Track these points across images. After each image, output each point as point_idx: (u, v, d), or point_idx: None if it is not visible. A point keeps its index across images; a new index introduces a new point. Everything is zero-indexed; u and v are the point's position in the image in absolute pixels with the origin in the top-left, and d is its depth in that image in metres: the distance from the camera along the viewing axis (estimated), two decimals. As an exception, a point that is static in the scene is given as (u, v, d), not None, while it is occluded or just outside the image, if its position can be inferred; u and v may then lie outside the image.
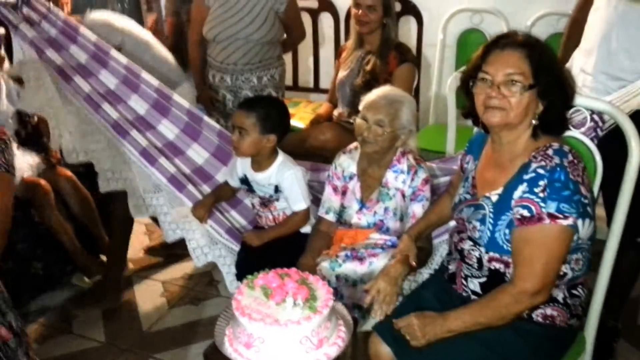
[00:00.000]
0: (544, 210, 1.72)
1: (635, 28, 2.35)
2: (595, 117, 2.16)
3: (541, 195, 1.73)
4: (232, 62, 3.56)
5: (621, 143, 2.03)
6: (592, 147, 2.10)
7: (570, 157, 1.77)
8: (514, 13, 4.17)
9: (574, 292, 1.91)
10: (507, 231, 1.82)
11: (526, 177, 1.77)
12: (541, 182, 1.73)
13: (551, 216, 1.71)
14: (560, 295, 1.88)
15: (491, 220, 1.86)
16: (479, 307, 1.83)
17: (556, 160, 1.75)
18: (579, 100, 2.21)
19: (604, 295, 2.13)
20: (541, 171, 1.75)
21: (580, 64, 2.55)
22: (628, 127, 2.02)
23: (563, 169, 1.73)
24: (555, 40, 3.34)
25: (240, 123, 2.54)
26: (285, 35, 3.73)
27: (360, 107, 2.48)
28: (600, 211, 2.45)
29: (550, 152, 1.78)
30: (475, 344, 1.82)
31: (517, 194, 1.78)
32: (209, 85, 3.69)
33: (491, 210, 1.87)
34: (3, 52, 3.46)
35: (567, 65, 2.66)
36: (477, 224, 1.90)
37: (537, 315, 1.86)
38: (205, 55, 3.67)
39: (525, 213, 1.74)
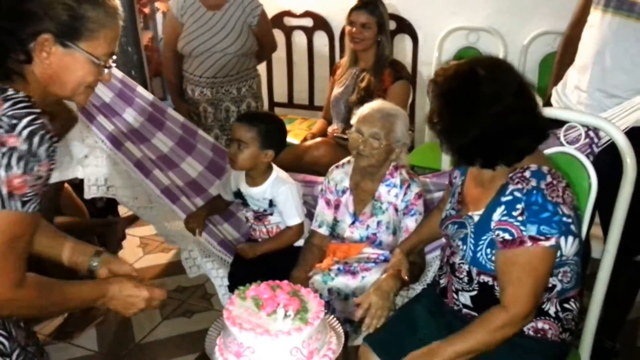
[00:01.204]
0: (524, 233, 1.71)
1: (629, 44, 2.36)
2: (591, 133, 2.16)
3: (520, 218, 1.72)
4: (211, 76, 3.63)
5: (617, 160, 2.03)
6: (587, 163, 2.10)
7: (548, 179, 1.75)
8: (510, 32, 4.19)
9: (566, 305, 1.89)
10: (488, 251, 1.82)
11: (504, 199, 1.76)
12: (518, 206, 1.72)
13: (532, 239, 1.71)
14: (552, 309, 1.87)
15: (472, 240, 1.86)
16: (471, 334, 1.80)
17: (533, 183, 1.73)
18: (574, 116, 2.23)
19: (598, 314, 2.12)
20: (518, 194, 1.73)
21: (575, 81, 2.55)
22: (623, 144, 2.02)
23: (539, 192, 1.72)
24: (551, 58, 3.35)
25: (239, 136, 2.54)
26: (257, 48, 3.80)
27: (354, 121, 2.48)
28: (597, 230, 2.46)
29: (527, 174, 1.76)
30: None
31: (496, 215, 1.77)
32: (187, 100, 3.74)
33: (472, 230, 1.86)
34: None
35: (561, 82, 2.66)
36: (460, 243, 1.90)
37: (528, 329, 1.84)
38: (180, 70, 3.71)
39: (507, 236, 1.74)
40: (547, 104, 2.72)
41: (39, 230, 1.56)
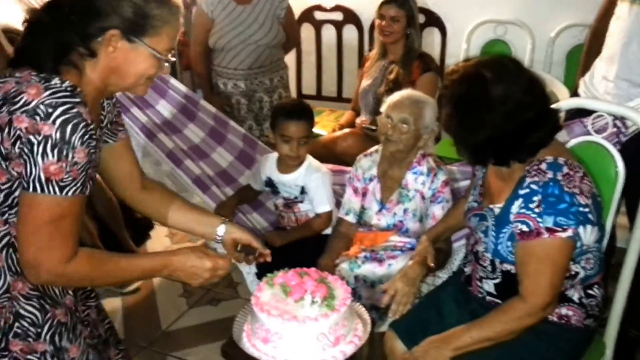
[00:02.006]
0: (541, 225, 1.72)
1: None
2: (618, 122, 2.16)
3: (537, 210, 1.73)
4: (245, 67, 3.70)
5: None
6: (614, 152, 2.10)
7: (564, 170, 1.76)
8: (538, 24, 4.18)
9: (590, 292, 1.90)
10: (509, 243, 1.83)
11: (521, 192, 1.77)
12: (535, 198, 1.74)
13: (549, 230, 1.72)
14: (575, 295, 1.88)
15: (493, 233, 1.87)
16: (488, 322, 1.82)
17: (549, 175, 1.74)
18: (601, 105, 2.23)
19: (624, 303, 2.12)
20: (534, 187, 1.74)
21: (602, 72, 2.56)
22: (651, 133, 2.02)
23: (556, 183, 1.73)
24: (578, 51, 3.35)
25: (301, 134, 2.62)
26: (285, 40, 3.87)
27: (383, 108, 2.51)
28: (622, 219, 2.45)
29: (543, 166, 1.77)
30: (492, 348, 1.81)
31: (514, 208, 1.79)
32: (218, 93, 3.79)
33: (493, 222, 1.88)
34: None
35: (589, 73, 2.67)
36: (482, 236, 1.92)
37: (552, 315, 1.85)
38: (209, 65, 3.78)
39: (524, 228, 1.75)
40: (575, 94, 2.74)
41: (172, 207, 1.76)
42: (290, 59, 4.12)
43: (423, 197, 2.48)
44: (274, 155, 2.81)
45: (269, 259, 1.94)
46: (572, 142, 2.19)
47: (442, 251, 2.33)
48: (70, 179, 1.39)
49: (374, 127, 3.15)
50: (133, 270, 1.65)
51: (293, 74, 4.40)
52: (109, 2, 1.45)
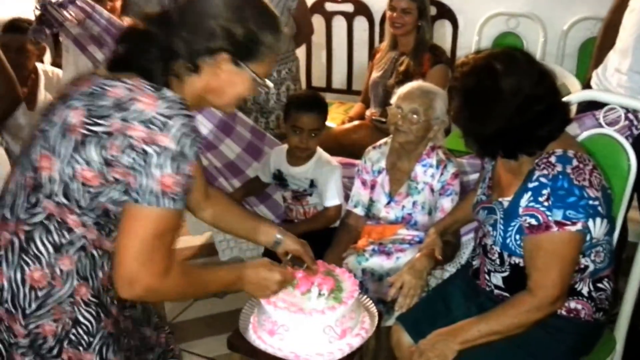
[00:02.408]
0: (550, 218, 1.70)
1: None
2: (631, 115, 2.14)
3: (546, 204, 1.71)
4: None
5: None
6: (626, 145, 2.09)
7: (574, 163, 1.74)
8: (551, 17, 4.15)
9: (599, 285, 1.88)
10: (517, 237, 1.81)
11: (530, 185, 1.75)
12: (544, 191, 1.72)
13: (558, 224, 1.70)
14: (585, 289, 1.86)
15: (502, 227, 1.85)
16: (496, 315, 1.81)
17: (558, 168, 1.72)
18: (613, 98, 2.21)
19: (635, 297, 2.10)
20: (544, 180, 1.73)
21: (615, 64, 2.53)
22: (663, 125, 2.00)
23: (566, 177, 1.71)
24: (591, 44, 3.33)
25: (312, 125, 2.60)
26: (296, 31, 3.84)
27: (394, 99, 2.49)
28: (634, 213, 2.42)
29: (552, 159, 1.75)
30: (500, 341, 1.80)
31: (523, 202, 1.77)
32: None
33: (502, 216, 1.86)
34: (44, 43, 3.56)
35: (602, 65, 2.64)
36: (490, 229, 1.90)
37: (561, 309, 1.83)
38: None
39: (533, 222, 1.73)
40: (587, 86, 2.71)
41: (229, 212, 1.82)
42: (300, 50, 4.09)
43: (432, 190, 2.46)
44: (284, 147, 2.80)
45: (314, 275, 1.99)
46: (584, 135, 2.17)
47: (450, 244, 2.31)
48: (181, 192, 1.38)
49: (383, 119, 3.13)
50: (215, 284, 1.69)
51: (303, 66, 4.38)
52: (223, 25, 1.46)
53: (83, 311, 1.48)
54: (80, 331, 1.48)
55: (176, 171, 1.35)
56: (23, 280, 1.42)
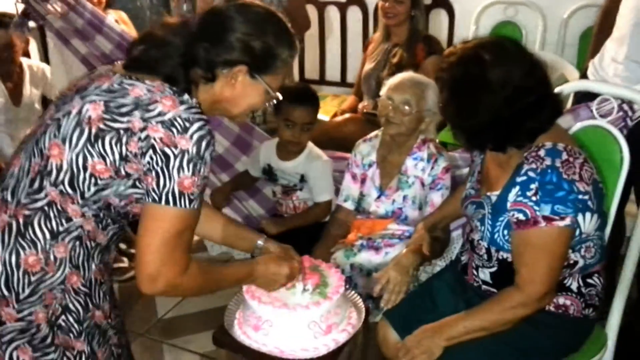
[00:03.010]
0: (538, 213, 1.67)
1: None
2: (625, 106, 2.10)
3: (534, 198, 1.67)
4: None
5: None
6: (620, 137, 2.04)
7: (564, 156, 1.69)
8: (550, 5, 4.10)
9: (589, 281, 1.84)
10: (505, 232, 1.78)
11: (518, 179, 1.71)
12: (532, 186, 1.68)
13: (546, 219, 1.66)
14: (574, 284, 1.83)
15: (490, 222, 1.82)
16: (482, 311, 1.78)
17: (547, 161, 1.68)
18: (606, 88, 2.17)
19: (627, 293, 2.06)
20: (532, 174, 1.69)
21: (612, 53, 2.48)
22: (657, 116, 1.95)
23: (554, 170, 1.67)
24: (591, 32, 3.25)
25: (305, 120, 2.58)
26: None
27: (384, 91, 2.46)
28: (632, 207, 2.38)
29: (542, 152, 1.71)
30: (488, 338, 1.77)
31: (511, 196, 1.73)
32: None
33: (490, 211, 1.83)
34: (29, 37, 3.53)
35: (598, 55, 2.59)
36: (478, 224, 1.87)
37: (549, 305, 1.80)
38: None
39: (521, 217, 1.70)
40: (584, 77, 2.67)
41: (212, 220, 1.84)
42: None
43: (423, 184, 2.43)
44: (274, 141, 2.77)
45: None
46: (577, 127, 2.14)
47: (439, 240, 2.27)
48: (198, 193, 1.45)
49: (375, 112, 3.09)
50: (229, 280, 1.77)
51: (295, 58, 4.32)
52: (243, 39, 1.52)
53: (73, 299, 1.51)
54: (70, 318, 1.51)
55: (194, 173, 1.41)
56: (18, 264, 1.45)
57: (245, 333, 1.91)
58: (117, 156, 1.41)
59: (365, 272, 2.37)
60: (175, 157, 1.39)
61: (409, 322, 1.93)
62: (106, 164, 1.42)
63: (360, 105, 3.64)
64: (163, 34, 1.56)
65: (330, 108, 4.13)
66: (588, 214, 1.71)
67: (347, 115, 3.63)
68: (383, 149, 2.52)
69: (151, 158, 1.40)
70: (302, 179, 2.66)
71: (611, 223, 2.04)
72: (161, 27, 1.59)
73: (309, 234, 2.59)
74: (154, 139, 1.39)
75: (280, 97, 1.65)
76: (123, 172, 1.43)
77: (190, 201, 1.42)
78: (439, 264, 2.40)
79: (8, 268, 1.44)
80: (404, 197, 2.45)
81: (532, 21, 4.15)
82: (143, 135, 1.39)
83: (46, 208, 1.45)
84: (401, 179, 2.45)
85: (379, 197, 2.50)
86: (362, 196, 2.55)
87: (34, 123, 1.62)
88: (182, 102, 1.43)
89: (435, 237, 2.22)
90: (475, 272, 1.93)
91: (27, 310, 1.46)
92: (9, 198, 1.48)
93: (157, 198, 1.41)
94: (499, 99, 1.67)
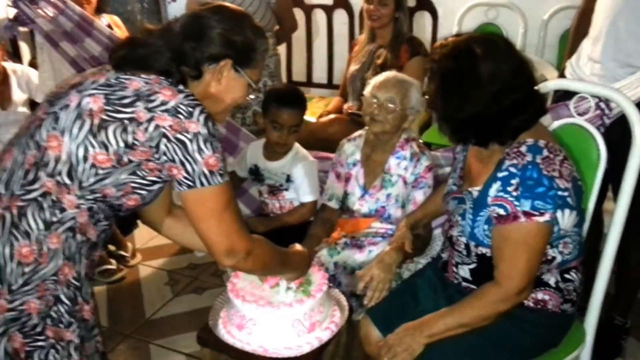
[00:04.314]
0: (518, 208, 1.69)
1: None
2: (602, 104, 2.12)
3: (514, 193, 1.69)
4: None
5: (629, 132, 1.98)
6: (597, 135, 2.06)
7: (544, 153, 1.72)
8: (530, 7, 4.14)
9: (567, 276, 1.86)
10: (485, 227, 1.80)
11: (500, 175, 1.74)
12: (513, 181, 1.70)
13: (526, 214, 1.68)
14: (552, 280, 1.84)
15: (470, 216, 1.84)
16: (462, 308, 1.80)
17: (528, 157, 1.70)
18: (584, 87, 2.19)
19: (605, 288, 2.08)
20: (513, 169, 1.71)
21: (588, 52, 2.49)
22: (632, 114, 1.97)
23: (535, 167, 1.69)
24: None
25: (293, 122, 2.60)
26: (277, 27, 3.77)
27: (367, 90, 2.48)
28: (610, 205, 2.41)
29: (523, 149, 1.73)
30: (468, 334, 1.79)
31: (492, 191, 1.75)
32: None
33: (471, 206, 1.85)
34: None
35: (575, 54, 2.61)
36: (459, 219, 1.89)
37: (527, 300, 1.82)
38: None
39: (501, 212, 1.72)
40: (562, 76, 2.68)
41: (190, 229, 1.75)
42: (279, 45, 4.05)
43: (405, 183, 2.45)
44: (261, 142, 2.78)
45: None
46: (555, 125, 2.15)
47: (421, 237, 2.30)
48: (223, 166, 1.53)
49: (360, 113, 3.11)
50: (290, 264, 1.90)
51: (283, 60, 4.35)
52: (223, 34, 1.60)
53: (65, 291, 1.53)
54: (62, 310, 1.53)
55: (214, 151, 1.49)
56: (11, 255, 1.46)
57: (229, 332, 1.92)
58: (121, 145, 1.45)
59: (349, 270, 2.38)
60: (191, 141, 1.46)
61: (390, 320, 1.95)
62: (108, 154, 1.46)
63: (345, 106, 3.66)
64: (147, 37, 1.62)
65: (317, 110, 4.13)
66: (567, 210, 1.73)
67: (332, 116, 3.65)
68: (367, 148, 2.54)
69: (167, 147, 1.46)
70: (288, 179, 2.67)
71: (589, 220, 2.07)
72: (144, 32, 1.66)
73: (295, 233, 2.58)
74: (164, 128, 1.45)
75: (255, 87, 1.71)
76: (125, 160, 1.47)
77: (221, 175, 1.51)
78: (421, 262, 2.41)
79: (2, 259, 1.46)
80: (388, 196, 2.47)
81: (513, 23, 4.19)
82: (151, 125, 1.45)
83: (40, 198, 1.47)
84: (385, 177, 2.47)
85: (362, 195, 2.51)
86: (347, 195, 2.57)
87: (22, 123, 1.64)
88: (179, 91, 1.49)
89: (417, 234, 2.25)
90: (455, 270, 1.95)
91: (19, 301, 1.48)
92: (3, 190, 1.49)
93: (192, 184, 1.49)
94: (487, 93, 1.69)
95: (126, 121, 1.45)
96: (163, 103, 1.46)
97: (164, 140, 1.45)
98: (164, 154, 1.47)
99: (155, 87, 1.49)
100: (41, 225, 1.47)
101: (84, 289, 1.58)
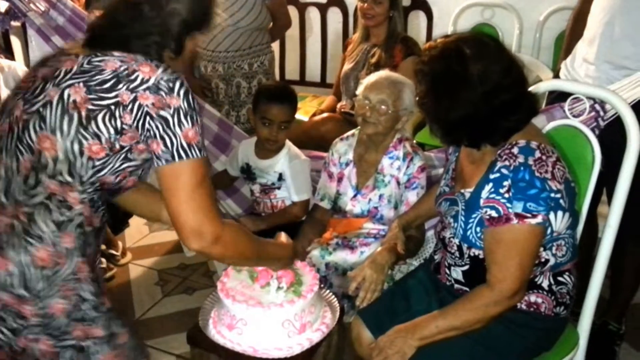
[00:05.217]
0: (510, 210, 1.68)
1: (638, 14, 2.29)
2: (597, 106, 2.11)
3: (506, 195, 1.68)
4: (223, 50, 3.59)
5: (624, 134, 1.97)
6: (592, 137, 2.06)
7: (536, 155, 1.71)
8: (526, 8, 4.14)
9: (560, 279, 1.85)
10: (477, 229, 1.79)
11: (492, 176, 1.72)
12: (505, 183, 1.69)
13: (519, 216, 1.67)
14: (545, 282, 1.83)
15: (463, 218, 1.83)
16: (454, 311, 1.78)
17: (520, 159, 1.69)
18: (579, 88, 2.18)
19: (598, 293, 2.07)
20: (505, 171, 1.70)
21: (583, 54, 2.49)
22: (628, 116, 1.96)
23: (527, 168, 1.68)
24: (565, 35, 3.29)
25: (282, 118, 2.57)
26: (271, 24, 3.75)
27: (360, 90, 2.46)
28: (604, 209, 2.40)
29: (515, 150, 1.72)
30: (460, 337, 1.78)
31: (484, 193, 1.74)
32: (200, 76, 3.72)
33: (463, 207, 1.84)
34: None
35: (570, 56, 2.60)
36: (451, 221, 1.88)
37: (520, 303, 1.81)
38: None
39: (494, 214, 1.71)
40: (556, 78, 2.68)
41: (138, 191, 1.80)
42: (273, 43, 4.03)
43: (398, 183, 2.43)
44: (253, 140, 2.76)
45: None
46: (550, 126, 2.15)
47: (414, 239, 2.28)
48: (201, 140, 1.51)
49: (353, 112, 3.10)
50: (268, 253, 1.86)
51: (276, 59, 4.33)
52: (185, 3, 1.56)
53: (85, 287, 1.53)
54: (85, 307, 1.53)
55: (193, 124, 1.47)
56: (31, 262, 1.46)
57: (219, 332, 1.91)
58: (112, 132, 1.44)
59: (341, 271, 2.37)
60: (172, 116, 1.44)
61: (382, 322, 1.94)
62: (101, 143, 1.44)
63: (338, 105, 3.66)
64: (126, 16, 1.56)
65: (310, 109, 4.13)
66: (560, 212, 1.72)
67: (325, 115, 3.65)
68: (360, 147, 2.52)
69: (150, 125, 1.44)
70: (281, 177, 2.66)
71: (583, 222, 2.06)
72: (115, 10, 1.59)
73: (286, 233, 2.58)
74: (147, 106, 1.43)
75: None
76: (117, 147, 1.46)
77: (199, 149, 1.48)
78: (414, 263, 2.40)
79: (23, 268, 1.46)
80: (380, 196, 2.45)
81: (509, 23, 4.19)
82: (136, 105, 1.43)
83: (46, 201, 1.46)
84: (377, 177, 2.45)
85: (355, 196, 2.50)
86: (339, 195, 2.55)
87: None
88: (157, 66, 1.47)
89: (410, 236, 2.23)
90: (447, 271, 1.94)
91: (45, 304, 1.48)
92: (4, 200, 1.48)
93: (169, 157, 1.46)
94: (477, 94, 1.68)
95: (112, 107, 1.43)
96: (143, 81, 1.44)
97: (148, 118, 1.44)
98: (148, 131, 1.45)
99: (132, 65, 1.46)
100: (53, 227, 1.47)
101: (100, 279, 1.60)
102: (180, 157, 1.46)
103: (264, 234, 2.56)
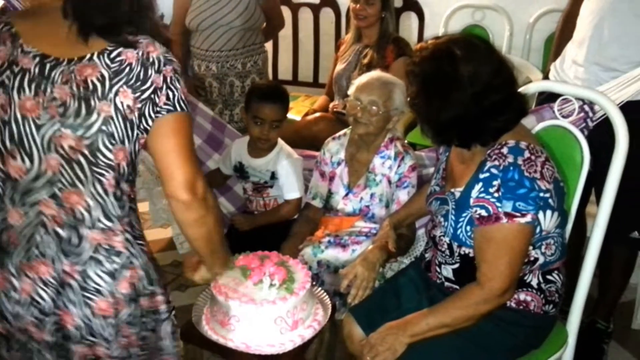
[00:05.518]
0: (500, 210, 1.70)
1: (627, 16, 2.32)
2: (586, 107, 2.14)
3: (496, 195, 1.71)
4: (216, 49, 3.59)
5: (612, 134, 2.00)
6: (580, 137, 2.08)
7: (526, 155, 1.73)
8: (516, 10, 4.16)
9: (549, 277, 1.88)
10: (468, 228, 1.81)
11: (481, 176, 1.75)
12: (495, 182, 1.71)
13: (508, 215, 1.69)
14: (534, 281, 1.86)
15: (453, 217, 1.85)
16: (444, 308, 1.81)
17: (510, 159, 1.72)
18: (568, 89, 2.21)
19: (587, 291, 2.09)
20: (494, 171, 1.72)
21: (572, 55, 2.52)
22: (616, 117, 1.99)
23: (517, 168, 1.70)
24: (555, 36, 3.32)
25: (274, 117, 2.58)
26: (265, 24, 3.76)
27: (351, 90, 2.47)
28: (593, 208, 2.43)
29: (504, 150, 1.74)
30: (450, 335, 1.80)
31: (474, 192, 1.76)
32: (193, 75, 3.72)
33: (453, 207, 1.86)
34: None
35: (560, 57, 2.63)
36: (442, 220, 1.90)
37: (510, 301, 1.83)
38: (187, 46, 3.70)
39: (483, 213, 1.73)
40: (546, 79, 2.70)
41: None
42: (267, 43, 4.04)
43: (389, 182, 2.45)
44: (245, 139, 2.77)
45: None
46: (539, 126, 2.17)
47: (405, 237, 2.31)
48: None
49: (345, 112, 3.13)
50: (223, 251, 1.79)
51: (269, 58, 4.34)
52: None
53: (146, 314, 1.58)
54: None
55: (183, 84, 1.51)
56: (93, 314, 1.49)
57: (212, 329, 1.93)
58: (152, 117, 1.47)
59: (332, 269, 2.38)
60: (172, 76, 1.48)
61: (373, 319, 1.95)
62: (145, 134, 1.49)
63: (330, 105, 3.67)
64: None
65: (303, 108, 4.14)
66: (549, 212, 1.75)
67: (317, 115, 3.67)
68: (351, 147, 2.54)
69: (162, 90, 1.48)
70: (273, 176, 2.67)
71: (572, 221, 2.09)
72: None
73: (278, 231, 2.60)
74: (170, 77, 1.48)
75: None
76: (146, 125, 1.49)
77: (187, 105, 1.51)
78: (405, 262, 2.42)
79: (86, 320, 1.49)
80: (372, 195, 2.47)
81: (499, 25, 4.21)
82: (167, 83, 1.47)
83: (94, 254, 1.48)
84: (369, 177, 2.47)
85: (346, 194, 2.51)
86: (331, 194, 2.57)
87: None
88: (152, 42, 1.50)
89: (401, 234, 2.25)
90: (438, 269, 1.96)
91: (117, 344, 1.53)
92: (57, 254, 1.47)
93: (171, 108, 1.48)
94: (467, 94, 1.70)
95: (152, 95, 1.46)
96: (160, 58, 1.48)
97: (164, 87, 1.48)
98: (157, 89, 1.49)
99: (142, 47, 1.47)
100: (107, 279, 1.49)
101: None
102: (182, 108, 1.49)
103: (257, 233, 2.61)
